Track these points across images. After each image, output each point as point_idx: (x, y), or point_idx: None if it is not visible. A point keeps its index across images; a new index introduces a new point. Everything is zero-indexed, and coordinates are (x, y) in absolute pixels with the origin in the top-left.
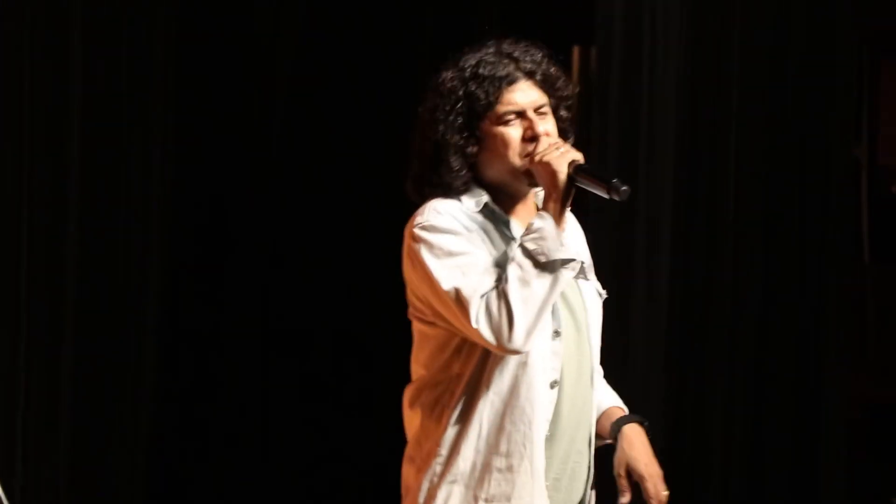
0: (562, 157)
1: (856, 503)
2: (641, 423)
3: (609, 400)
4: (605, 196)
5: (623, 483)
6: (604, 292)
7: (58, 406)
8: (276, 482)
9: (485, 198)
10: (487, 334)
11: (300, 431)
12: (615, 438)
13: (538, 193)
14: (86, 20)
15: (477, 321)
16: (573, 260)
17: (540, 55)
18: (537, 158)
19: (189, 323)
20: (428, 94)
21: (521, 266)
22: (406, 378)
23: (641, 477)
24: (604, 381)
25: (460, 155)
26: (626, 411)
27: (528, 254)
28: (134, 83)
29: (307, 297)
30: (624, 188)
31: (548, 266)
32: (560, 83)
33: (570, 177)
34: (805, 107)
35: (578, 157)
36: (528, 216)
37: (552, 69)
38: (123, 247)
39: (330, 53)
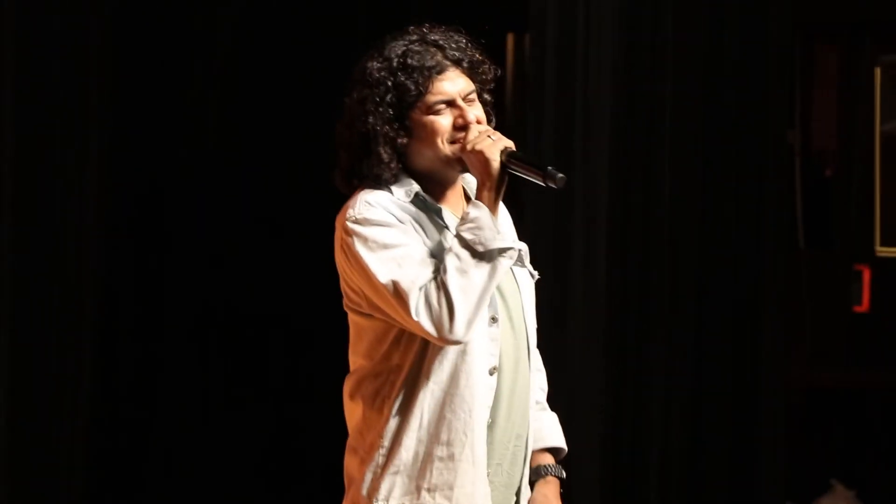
0: (493, 145)
1: (795, 486)
2: (559, 476)
3: (544, 433)
4: (542, 184)
5: None
6: (536, 274)
7: None
8: (220, 475)
9: (415, 187)
10: (428, 326)
11: (241, 422)
12: (533, 483)
13: (466, 179)
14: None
15: (417, 313)
16: (511, 248)
17: (464, 42)
18: (469, 147)
19: (127, 321)
20: (354, 84)
21: (458, 256)
22: (345, 367)
23: None
24: (544, 403)
25: (390, 146)
26: (557, 446)
27: (465, 244)
28: (68, 75)
29: (244, 287)
30: (560, 175)
31: (486, 255)
32: (484, 68)
33: (502, 164)
34: (739, 93)
35: (510, 144)
36: (458, 203)
37: (476, 55)
38: (62, 237)
39: (265, 45)
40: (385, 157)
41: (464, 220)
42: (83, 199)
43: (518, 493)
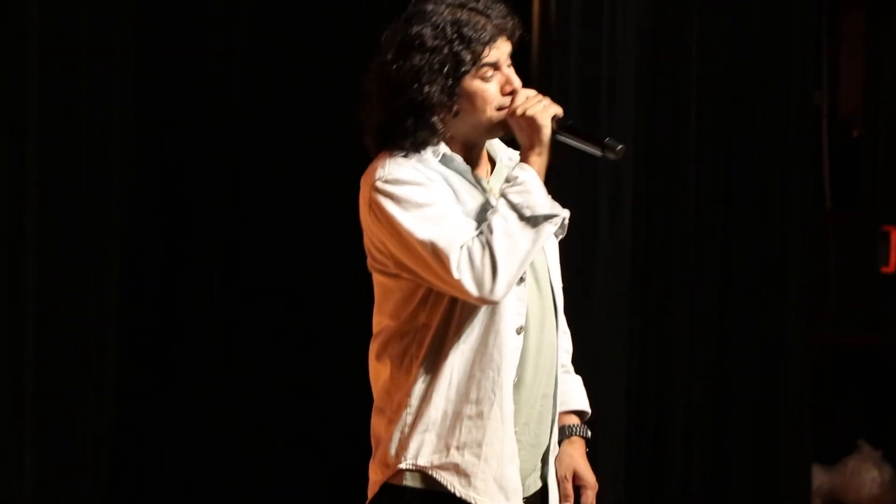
0: (545, 110)
1: (821, 447)
2: (585, 437)
3: (569, 396)
4: (598, 154)
5: (568, 487)
6: (559, 233)
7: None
8: (246, 444)
9: (442, 147)
10: (469, 285)
11: (266, 387)
12: (560, 443)
13: (491, 144)
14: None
15: (459, 271)
16: (557, 216)
17: (505, 9)
18: (519, 112)
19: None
20: (401, 49)
21: (505, 218)
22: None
23: (586, 486)
24: (569, 365)
25: (444, 112)
26: (582, 409)
27: (513, 206)
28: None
29: (269, 250)
30: (620, 147)
31: (533, 220)
32: (519, 34)
33: (553, 132)
34: (766, 55)
35: (559, 111)
36: (484, 166)
37: (517, 22)
38: (84, 209)
39: (286, 16)
40: (439, 126)
41: (512, 181)
42: (107, 169)
43: (546, 453)
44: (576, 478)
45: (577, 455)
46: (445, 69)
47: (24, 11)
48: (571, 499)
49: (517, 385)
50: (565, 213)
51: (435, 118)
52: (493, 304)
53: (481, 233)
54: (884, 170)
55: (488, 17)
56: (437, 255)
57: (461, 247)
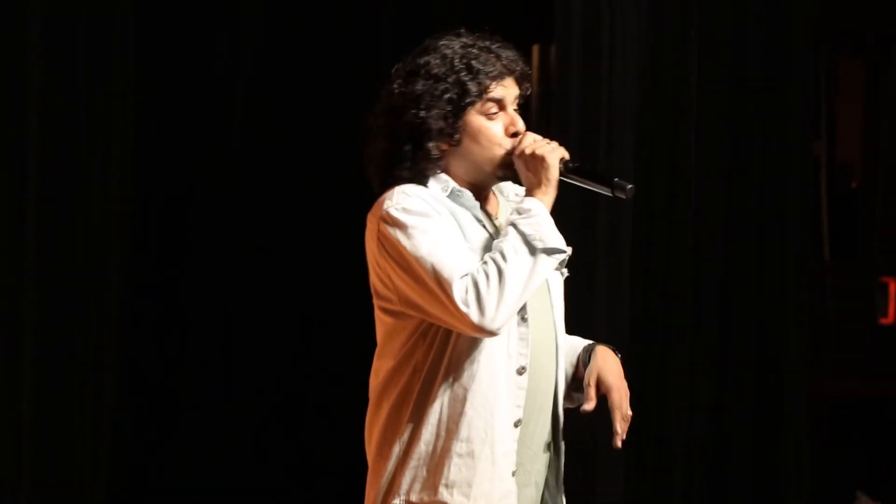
0: (553, 151)
1: (820, 497)
2: (615, 351)
3: (575, 343)
4: (608, 194)
5: (591, 392)
6: (565, 272)
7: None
8: (243, 468)
9: (451, 183)
10: (473, 311)
11: (264, 416)
12: (589, 356)
13: (500, 186)
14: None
15: (461, 297)
16: (565, 251)
17: (516, 53)
18: (528, 151)
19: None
20: (406, 77)
21: (515, 248)
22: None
23: (610, 388)
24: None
25: (441, 140)
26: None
27: (524, 237)
28: (94, 84)
29: (270, 286)
30: (629, 187)
31: (542, 251)
32: (528, 83)
33: (561, 172)
34: (764, 104)
35: (565, 153)
36: (492, 203)
37: (526, 68)
38: (83, 236)
39: (288, 49)
40: (435, 152)
41: (521, 212)
42: (108, 193)
43: (544, 494)
44: (601, 384)
45: (600, 360)
46: (448, 97)
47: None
48: (593, 402)
49: (523, 424)
50: (569, 250)
51: (432, 144)
52: (490, 335)
53: (488, 261)
54: (882, 220)
55: (499, 56)
56: (440, 282)
57: (466, 274)
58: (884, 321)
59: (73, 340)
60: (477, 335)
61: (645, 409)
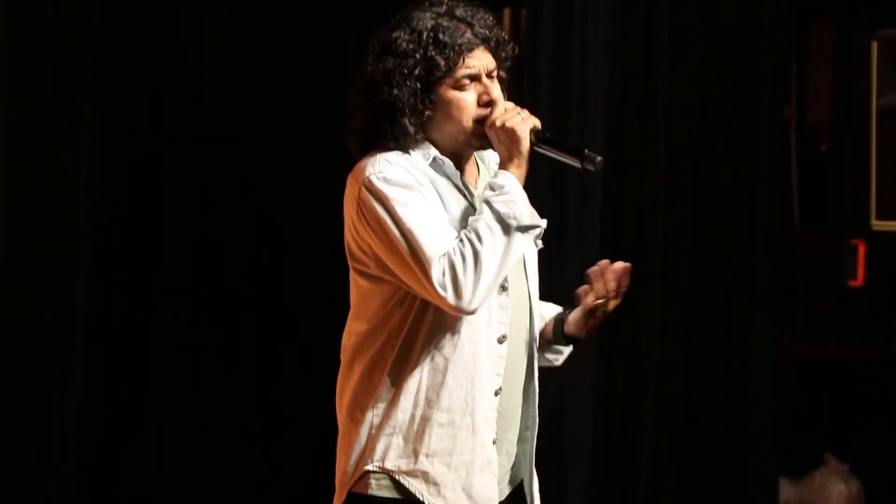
0: (524, 122)
1: (788, 460)
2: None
3: (547, 310)
4: (577, 165)
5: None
6: (539, 243)
7: None
8: (214, 457)
9: (433, 151)
10: (449, 294)
11: (233, 392)
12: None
13: (480, 154)
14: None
15: (438, 280)
16: (539, 227)
17: (491, 20)
18: (499, 123)
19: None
20: (379, 53)
21: (490, 228)
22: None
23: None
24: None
25: (416, 117)
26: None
27: (498, 216)
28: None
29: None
30: (599, 159)
31: (517, 230)
32: (506, 47)
33: (531, 143)
34: (734, 67)
35: (537, 123)
36: (472, 174)
37: (502, 34)
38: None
39: (260, 23)
40: (411, 129)
41: (495, 188)
42: (78, 157)
43: (517, 461)
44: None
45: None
46: (417, 73)
47: None
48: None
49: (502, 393)
50: (543, 224)
51: (406, 121)
52: (468, 314)
53: (464, 240)
54: (852, 183)
55: (470, 25)
56: (418, 261)
57: (443, 254)
58: (853, 284)
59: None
60: (454, 313)
61: (615, 374)
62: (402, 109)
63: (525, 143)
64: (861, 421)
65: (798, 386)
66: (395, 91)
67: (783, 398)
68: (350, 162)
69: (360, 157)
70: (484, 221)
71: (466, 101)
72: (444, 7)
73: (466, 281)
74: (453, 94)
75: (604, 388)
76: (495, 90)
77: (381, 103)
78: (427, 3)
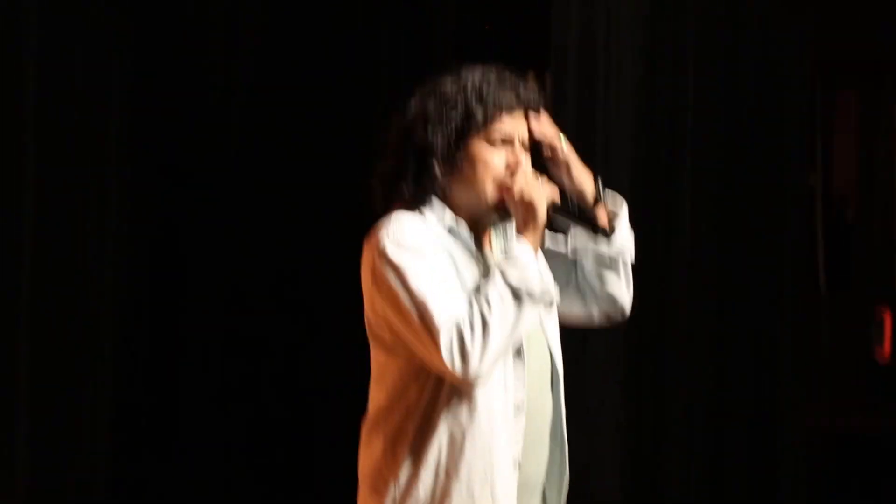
0: (542, 196)
1: None
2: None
3: None
4: (592, 238)
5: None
6: (557, 298)
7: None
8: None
9: (449, 215)
10: (456, 362)
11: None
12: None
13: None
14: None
15: (447, 347)
16: (552, 298)
17: (536, 91)
18: (517, 194)
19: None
20: (422, 97)
21: (502, 298)
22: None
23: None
24: None
25: (444, 165)
26: None
27: (511, 287)
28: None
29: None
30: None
31: (529, 301)
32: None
33: (549, 216)
34: (759, 136)
35: (556, 194)
36: (486, 238)
37: (542, 107)
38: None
39: (282, 79)
40: (439, 172)
41: (510, 259)
42: (103, 191)
43: None
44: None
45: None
46: (455, 123)
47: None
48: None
49: (523, 465)
50: (556, 295)
51: (435, 167)
52: (472, 385)
53: (473, 309)
54: (878, 251)
55: (516, 88)
56: (427, 327)
57: (453, 322)
58: (881, 355)
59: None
60: (459, 384)
61: (642, 449)
62: (434, 154)
63: (542, 215)
64: (889, 492)
65: (825, 457)
66: (430, 135)
67: (810, 470)
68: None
69: (379, 202)
70: (496, 290)
71: (494, 162)
72: (496, 69)
73: (474, 349)
74: (484, 151)
75: (629, 458)
76: (525, 161)
77: (414, 145)
78: (480, 62)
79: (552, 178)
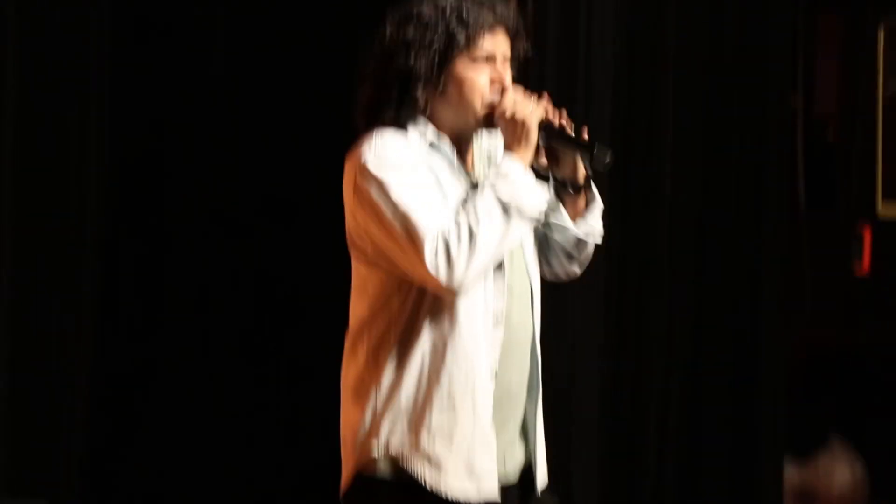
0: (534, 114)
1: (795, 442)
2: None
3: None
4: (586, 162)
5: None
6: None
7: None
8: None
9: (431, 131)
10: (441, 272)
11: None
12: None
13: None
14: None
15: (431, 257)
16: (540, 214)
17: (513, 9)
18: (509, 113)
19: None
20: (398, 23)
21: (490, 211)
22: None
23: None
24: None
25: (428, 88)
26: None
27: (500, 201)
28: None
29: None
30: (608, 160)
31: (519, 215)
32: (523, 42)
33: (540, 136)
34: (742, 57)
35: (549, 111)
36: (470, 154)
37: (522, 26)
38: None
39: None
40: (420, 100)
41: (499, 172)
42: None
43: (525, 435)
44: None
45: None
46: (436, 45)
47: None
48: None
49: (498, 376)
50: (544, 205)
51: (419, 93)
52: (454, 295)
53: (461, 220)
54: (859, 170)
55: (494, 8)
56: (412, 239)
57: (439, 232)
58: (860, 271)
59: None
60: (442, 295)
61: (622, 359)
62: (417, 79)
63: (533, 135)
64: (866, 406)
65: (804, 371)
66: (412, 61)
67: (791, 382)
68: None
69: (361, 129)
70: (485, 203)
71: (479, 82)
72: None
73: (460, 258)
74: (468, 72)
75: (611, 373)
76: (508, 77)
77: (397, 72)
78: None
79: (551, 154)
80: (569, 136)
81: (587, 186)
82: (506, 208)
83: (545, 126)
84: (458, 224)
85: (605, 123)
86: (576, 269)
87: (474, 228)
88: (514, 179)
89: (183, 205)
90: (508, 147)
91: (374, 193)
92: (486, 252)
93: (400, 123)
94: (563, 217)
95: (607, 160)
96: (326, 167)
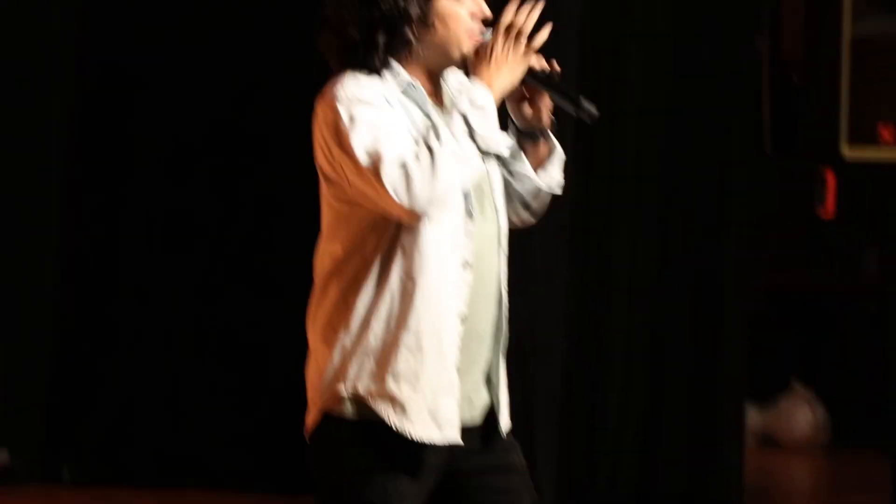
0: (524, 57)
1: (755, 384)
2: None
3: None
4: (571, 112)
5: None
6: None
7: None
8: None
9: (405, 76)
10: (400, 191)
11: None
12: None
13: (444, 75)
14: None
15: (391, 179)
16: (501, 150)
17: None
18: (497, 53)
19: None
20: None
21: (455, 135)
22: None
23: None
24: None
25: (416, 27)
26: None
27: (468, 128)
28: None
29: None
30: (596, 113)
31: (482, 145)
32: None
33: (525, 79)
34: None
35: (535, 60)
36: (440, 94)
37: None
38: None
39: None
40: (413, 39)
41: (471, 100)
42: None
43: (489, 378)
44: None
45: None
46: None
47: None
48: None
49: (466, 319)
50: (506, 147)
51: (409, 31)
52: (416, 219)
53: (419, 142)
54: (824, 114)
55: None
56: (373, 165)
57: (399, 155)
58: (823, 213)
59: None
60: (407, 220)
61: (585, 300)
62: (407, 19)
63: (517, 77)
64: (826, 348)
65: (768, 313)
66: (402, 3)
67: (754, 325)
68: None
69: (337, 72)
70: (450, 129)
71: (462, 14)
72: None
73: (418, 180)
74: (451, 6)
75: (574, 313)
76: (486, 8)
77: (383, 14)
78: None
79: (528, 99)
80: (557, 84)
81: (547, 136)
82: (472, 135)
83: (533, 73)
84: (418, 145)
85: (570, 64)
86: (531, 218)
87: (435, 150)
88: (488, 112)
89: (146, 146)
90: (486, 81)
91: (345, 129)
92: (448, 173)
93: (375, 67)
94: (524, 166)
95: (595, 113)
96: (295, 108)
